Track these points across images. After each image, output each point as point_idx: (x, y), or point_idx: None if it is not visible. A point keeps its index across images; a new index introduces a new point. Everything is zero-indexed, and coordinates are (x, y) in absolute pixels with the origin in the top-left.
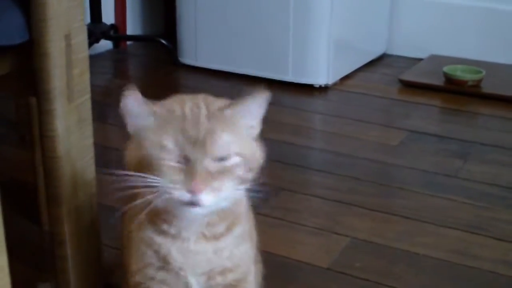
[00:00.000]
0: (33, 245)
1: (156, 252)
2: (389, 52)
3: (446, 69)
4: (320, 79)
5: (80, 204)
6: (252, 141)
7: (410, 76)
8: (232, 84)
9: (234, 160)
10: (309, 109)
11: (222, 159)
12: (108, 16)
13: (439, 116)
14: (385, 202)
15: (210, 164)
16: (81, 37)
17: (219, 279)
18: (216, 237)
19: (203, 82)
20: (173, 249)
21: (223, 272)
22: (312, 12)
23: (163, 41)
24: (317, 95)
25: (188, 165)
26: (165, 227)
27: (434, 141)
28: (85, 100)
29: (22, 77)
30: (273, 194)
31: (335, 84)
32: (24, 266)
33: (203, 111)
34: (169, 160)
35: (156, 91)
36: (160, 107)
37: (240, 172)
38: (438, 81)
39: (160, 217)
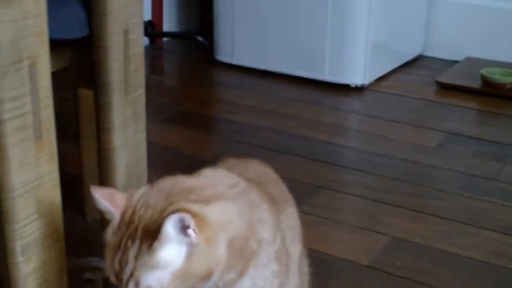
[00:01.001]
0: (77, 236)
1: None
2: (425, 54)
3: (484, 71)
4: (356, 79)
5: None
6: (183, 254)
7: (447, 78)
8: (268, 83)
9: None
10: (346, 108)
11: None
12: (145, 12)
13: (476, 118)
14: (424, 202)
15: None
16: (138, 33)
17: None
18: (229, 285)
19: (239, 80)
20: None
21: None
22: (350, 12)
23: (199, 38)
24: (353, 95)
25: None
26: None
27: (472, 144)
28: (139, 94)
29: (80, 70)
30: (313, 192)
31: (371, 84)
32: (69, 255)
33: (134, 248)
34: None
35: (191, 88)
36: (119, 208)
37: None
38: (475, 84)
39: None
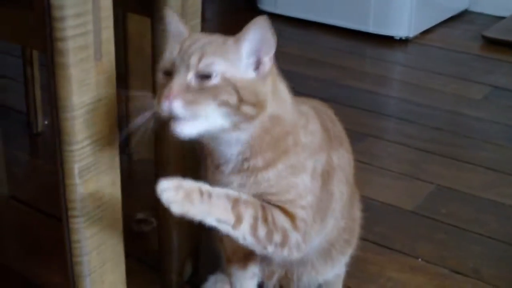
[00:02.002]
0: (122, 174)
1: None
2: (471, 9)
3: None
4: (401, 31)
5: None
6: (252, 74)
7: (494, 33)
8: (311, 33)
9: (217, 81)
10: (390, 60)
11: (204, 76)
12: None
13: None
14: (469, 153)
15: (190, 78)
16: None
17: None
18: (254, 171)
19: (282, 29)
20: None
21: (263, 195)
22: None
23: None
24: (397, 47)
25: (172, 79)
26: (215, 161)
27: None
28: (196, 23)
29: None
30: (357, 140)
31: (415, 37)
32: None
33: (208, 38)
34: (161, 71)
35: (233, 35)
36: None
37: (224, 97)
38: None
39: (210, 155)
